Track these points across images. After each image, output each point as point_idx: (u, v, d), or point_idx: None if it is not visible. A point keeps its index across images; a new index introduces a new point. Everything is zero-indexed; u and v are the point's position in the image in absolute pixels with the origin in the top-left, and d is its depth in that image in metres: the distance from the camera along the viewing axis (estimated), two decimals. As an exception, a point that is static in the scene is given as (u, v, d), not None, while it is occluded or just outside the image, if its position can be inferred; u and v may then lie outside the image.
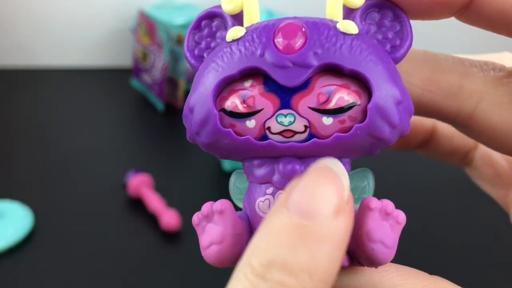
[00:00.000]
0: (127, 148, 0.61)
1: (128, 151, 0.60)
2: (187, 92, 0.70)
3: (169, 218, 0.45)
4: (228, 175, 0.53)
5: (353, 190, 0.15)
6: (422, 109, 0.17)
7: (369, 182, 0.15)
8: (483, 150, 0.23)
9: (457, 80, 0.16)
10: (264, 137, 0.13)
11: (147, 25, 0.68)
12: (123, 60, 0.79)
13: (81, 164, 0.56)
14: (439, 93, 0.16)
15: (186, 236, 0.45)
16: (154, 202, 0.47)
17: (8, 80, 0.76)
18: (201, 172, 0.55)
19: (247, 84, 0.14)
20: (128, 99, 0.71)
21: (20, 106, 0.69)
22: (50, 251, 0.43)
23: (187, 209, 0.47)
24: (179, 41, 0.66)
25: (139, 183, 0.48)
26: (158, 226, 0.46)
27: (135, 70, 0.72)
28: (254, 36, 0.13)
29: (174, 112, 0.67)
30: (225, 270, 0.46)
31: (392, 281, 0.14)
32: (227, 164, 0.53)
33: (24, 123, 0.65)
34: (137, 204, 0.49)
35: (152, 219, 0.47)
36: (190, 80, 0.71)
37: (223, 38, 0.15)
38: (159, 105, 0.67)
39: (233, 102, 0.13)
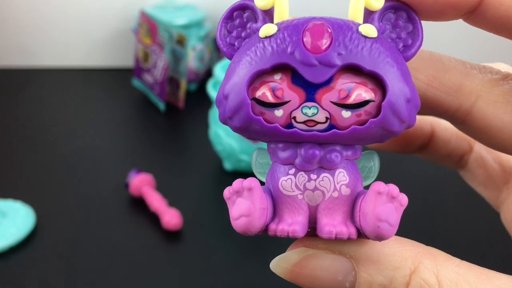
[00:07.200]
0: (129, 148, 0.61)
1: (130, 151, 0.61)
2: (188, 92, 0.71)
3: (170, 217, 0.45)
4: (229, 174, 0.54)
5: (361, 169, 0.17)
6: (426, 103, 0.19)
7: (375, 163, 0.17)
8: (477, 153, 0.25)
9: (458, 78, 0.18)
10: (290, 125, 0.15)
11: (148, 25, 0.68)
12: (125, 60, 0.79)
13: (82, 163, 0.56)
14: (442, 89, 0.18)
15: (187, 235, 0.46)
16: (156, 201, 0.47)
17: (9, 80, 0.76)
18: (202, 172, 0.55)
19: (277, 77, 0.15)
20: (129, 99, 0.72)
21: (24, 106, 0.69)
22: (51, 250, 0.44)
23: (188, 209, 0.48)
24: (180, 41, 0.66)
25: (141, 183, 0.49)
26: (159, 226, 0.46)
27: (137, 70, 0.72)
28: (285, 34, 0.15)
29: (175, 112, 0.68)
30: (225, 270, 0.46)
31: (392, 248, 0.16)
32: (228, 164, 0.53)
33: (25, 123, 0.65)
34: (139, 204, 0.49)
35: (153, 218, 0.47)
36: (191, 80, 0.71)
37: (254, 30, 0.16)
38: (161, 105, 0.67)
39: (264, 93, 0.15)
